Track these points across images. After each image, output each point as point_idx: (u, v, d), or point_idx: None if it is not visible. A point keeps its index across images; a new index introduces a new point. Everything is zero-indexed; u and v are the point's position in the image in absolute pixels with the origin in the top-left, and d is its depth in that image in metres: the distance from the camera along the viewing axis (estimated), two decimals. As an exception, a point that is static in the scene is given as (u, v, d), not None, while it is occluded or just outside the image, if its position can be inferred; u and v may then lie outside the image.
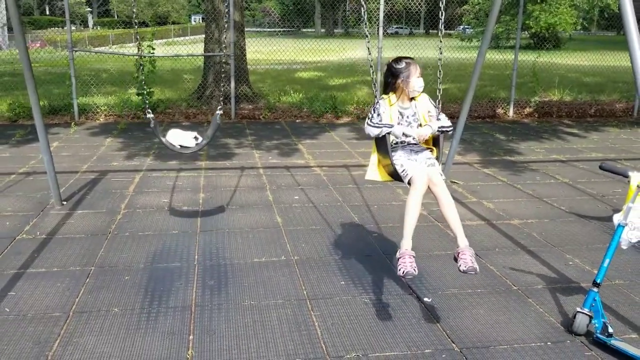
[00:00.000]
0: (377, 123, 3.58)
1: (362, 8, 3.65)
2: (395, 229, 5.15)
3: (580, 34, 45.98)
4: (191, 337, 3.40)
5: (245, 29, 12.80)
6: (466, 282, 4.18)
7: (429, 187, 3.55)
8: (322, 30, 55.26)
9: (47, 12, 62.42)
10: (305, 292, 3.99)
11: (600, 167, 3.66)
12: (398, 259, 3.42)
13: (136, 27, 4.67)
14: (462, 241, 3.47)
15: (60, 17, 56.24)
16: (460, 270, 3.38)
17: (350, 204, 6.00)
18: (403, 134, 3.62)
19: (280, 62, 20.51)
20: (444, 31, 3.99)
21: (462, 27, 40.93)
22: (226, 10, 5.43)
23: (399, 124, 3.68)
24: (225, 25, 5.47)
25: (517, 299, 3.95)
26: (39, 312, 3.67)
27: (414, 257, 3.40)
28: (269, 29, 44.98)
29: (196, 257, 4.59)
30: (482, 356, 3.25)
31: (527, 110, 12.13)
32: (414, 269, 3.32)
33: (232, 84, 11.05)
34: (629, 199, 3.31)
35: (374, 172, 3.87)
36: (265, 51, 16.46)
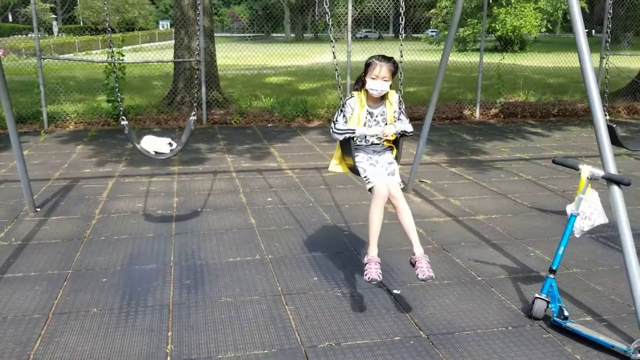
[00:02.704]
0: (340, 129, 3.69)
1: (326, 15, 3.80)
2: (365, 227, 5.27)
3: (545, 36, 47.05)
4: (170, 333, 3.52)
5: (214, 35, 12.89)
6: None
7: (388, 198, 3.71)
8: (292, 34, 55.46)
9: (10, 20, 61.33)
10: (279, 288, 4.14)
11: (553, 161, 3.89)
12: (365, 264, 3.63)
13: (110, 34, 4.75)
14: (418, 249, 3.64)
15: (24, 25, 55.29)
16: (418, 279, 3.54)
17: (322, 204, 6.17)
18: (365, 135, 3.78)
19: (250, 68, 20.60)
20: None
21: (429, 30, 41.55)
22: (197, 16, 5.55)
23: (366, 123, 3.78)
24: (197, 31, 5.59)
25: (481, 288, 4.17)
26: (19, 314, 3.74)
27: (379, 263, 3.60)
28: (237, 34, 44.98)
29: (172, 258, 4.70)
30: (447, 341, 3.44)
31: (493, 111, 12.48)
32: (379, 276, 3.53)
33: (203, 90, 11.12)
34: (580, 190, 3.54)
35: (337, 165, 4.01)
36: (235, 57, 16.54)
